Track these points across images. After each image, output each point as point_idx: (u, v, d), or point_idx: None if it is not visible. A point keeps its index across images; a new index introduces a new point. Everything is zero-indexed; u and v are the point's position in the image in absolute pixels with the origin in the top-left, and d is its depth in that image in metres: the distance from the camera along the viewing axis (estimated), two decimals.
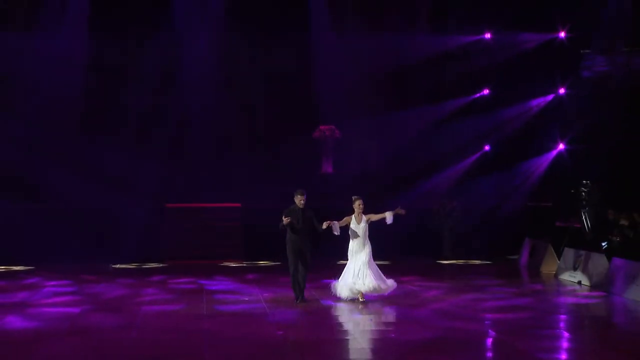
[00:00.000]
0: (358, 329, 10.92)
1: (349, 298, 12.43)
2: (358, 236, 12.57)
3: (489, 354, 9.91)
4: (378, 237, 13.10)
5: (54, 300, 13.37)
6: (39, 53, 20.30)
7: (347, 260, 12.72)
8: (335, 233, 12.52)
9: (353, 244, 12.64)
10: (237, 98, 21.53)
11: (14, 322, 11.38)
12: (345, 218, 12.64)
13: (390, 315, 11.69)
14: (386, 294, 12.67)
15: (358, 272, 12.42)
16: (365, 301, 12.37)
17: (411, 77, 21.93)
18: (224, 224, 19.95)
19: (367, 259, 12.51)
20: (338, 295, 12.56)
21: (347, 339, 10.00)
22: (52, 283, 15.26)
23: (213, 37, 21.12)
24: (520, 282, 16.23)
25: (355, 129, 21.34)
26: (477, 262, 18.91)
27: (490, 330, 10.96)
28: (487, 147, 21.68)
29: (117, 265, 18.14)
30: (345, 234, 12.74)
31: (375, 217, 12.62)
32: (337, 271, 17.28)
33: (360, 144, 21.61)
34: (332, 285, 12.71)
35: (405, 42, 21.46)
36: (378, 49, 21.43)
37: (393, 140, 21.42)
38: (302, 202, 12.57)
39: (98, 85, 20.79)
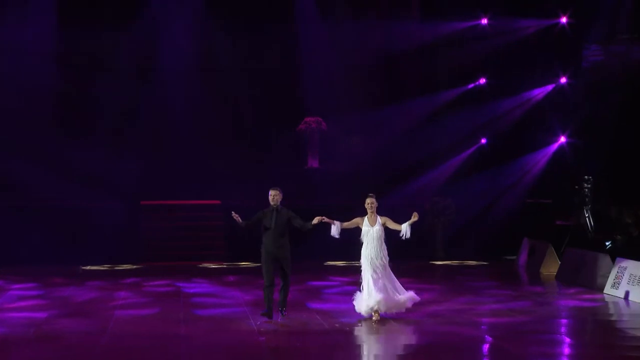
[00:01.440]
0: (346, 335, 10.86)
1: (369, 315, 11.37)
2: (373, 241, 11.36)
3: None
4: None
5: (18, 304, 13.26)
6: (3, 44, 20.10)
7: (361, 267, 11.52)
8: (335, 235, 11.31)
9: (367, 251, 11.41)
10: (218, 90, 21.44)
11: None
12: (354, 219, 11.52)
13: (380, 319, 11.64)
14: (404, 309, 11.50)
15: (376, 285, 11.25)
16: (378, 319, 11.31)
17: (402, 67, 21.92)
18: (203, 223, 19.88)
19: (383, 268, 11.34)
20: (357, 311, 11.46)
21: (334, 346, 9.94)
22: (17, 286, 15.13)
23: (192, 27, 21.00)
24: (519, 284, 16.26)
25: (342, 123, 21.33)
26: (473, 263, 18.95)
27: (486, 336, 10.96)
28: (483, 141, 21.67)
29: (88, 267, 18.01)
30: (352, 236, 11.62)
31: (392, 224, 11.41)
32: (325, 273, 17.35)
33: (348, 138, 21.59)
34: (354, 299, 11.54)
35: (395, 29, 21.43)
36: (366, 37, 21.39)
37: (383, 135, 21.41)
38: (275, 199, 11.41)
39: (69, 78, 20.61)
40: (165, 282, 15.78)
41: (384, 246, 11.46)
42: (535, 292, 14.88)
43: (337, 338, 10.53)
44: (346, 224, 11.41)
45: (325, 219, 11.24)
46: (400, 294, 11.38)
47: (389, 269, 11.39)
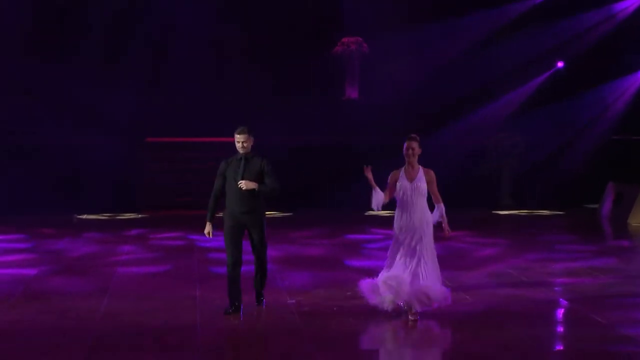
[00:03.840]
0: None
1: (389, 306, 9.71)
2: (409, 201, 9.69)
3: (560, 329, 9.91)
4: None
5: (4, 259, 13.49)
6: None
7: (393, 238, 9.87)
8: (375, 208, 9.79)
9: (400, 215, 9.77)
10: (234, 2, 21.28)
11: None
12: (391, 175, 9.82)
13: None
14: (431, 305, 9.73)
15: (407, 266, 9.64)
16: (416, 319, 9.65)
17: None
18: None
19: (419, 243, 9.65)
20: (368, 299, 9.91)
21: (375, 310, 9.98)
22: (1, 237, 15.39)
23: None
24: (601, 237, 16.27)
25: (387, 44, 21.14)
26: (545, 212, 18.94)
27: (561, 299, 10.96)
28: (560, 64, 21.44)
29: (84, 216, 18.23)
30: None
31: (434, 188, 9.77)
32: (366, 225, 17.40)
33: (393, 62, 21.43)
34: (360, 285, 10.04)
35: None
36: None
37: (436, 57, 21.21)
38: (243, 145, 9.94)
39: None
40: (175, 234, 15.95)
41: (427, 212, 9.71)
42: (621, 247, 14.91)
43: (380, 302, 10.53)
44: (387, 193, 9.77)
45: (371, 177, 9.69)
46: (434, 285, 9.64)
47: (430, 245, 9.67)
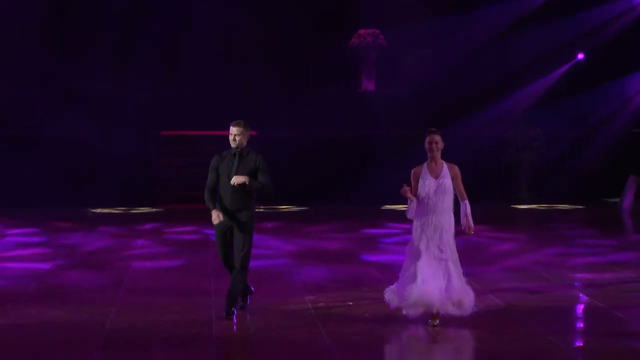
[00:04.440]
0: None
1: (410, 314, 9.17)
2: (434, 200, 9.14)
3: (579, 324, 9.87)
4: None
5: (17, 253, 13.54)
6: None
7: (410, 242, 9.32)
8: (410, 216, 9.27)
9: (424, 215, 9.18)
10: None
11: None
12: (412, 172, 9.29)
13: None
14: (458, 313, 9.17)
15: (437, 273, 9.03)
16: (437, 324, 9.16)
17: None
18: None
19: (450, 244, 9.13)
20: (390, 303, 9.37)
21: (396, 307, 9.95)
22: (15, 231, 15.45)
23: None
24: (622, 232, 16.19)
25: (405, 36, 21.10)
26: (565, 206, 18.86)
27: (581, 295, 10.91)
28: (580, 56, 21.34)
29: (98, 210, 18.28)
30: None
31: (459, 184, 9.25)
32: (382, 219, 17.39)
33: (410, 54, 21.40)
34: (385, 293, 9.47)
35: None
36: None
37: (453, 50, 21.15)
38: (236, 139, 9.47)
39: None
40: (190, 228, 15.98)
41: (449, 211, 9.18)
42: None
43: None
44: (413, 192, 9.18)
45: (409, 194, 9.12)
46: (466, 290, 9.15)
47: (453, 246, 9.18)
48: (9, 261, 12.87)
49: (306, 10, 21.25)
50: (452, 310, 9.05)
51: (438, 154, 9.20)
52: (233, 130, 9.49)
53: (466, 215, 9.20)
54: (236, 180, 9.35)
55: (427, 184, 9.15)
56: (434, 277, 9.01)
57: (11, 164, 18.70)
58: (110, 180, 18.74)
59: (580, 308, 10.49)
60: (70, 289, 11.03)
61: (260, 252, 13.75)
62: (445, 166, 9.23)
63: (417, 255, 9.14)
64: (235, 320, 9.40)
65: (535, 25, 21.05)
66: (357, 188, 18.66)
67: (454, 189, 9.21)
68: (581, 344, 9.07)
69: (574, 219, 17.44)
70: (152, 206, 18.74)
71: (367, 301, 10.30)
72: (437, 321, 9.16)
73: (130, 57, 20.59)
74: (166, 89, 20.64)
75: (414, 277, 9.06)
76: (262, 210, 18.70)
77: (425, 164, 9.25)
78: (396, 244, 14.32)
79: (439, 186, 9.14)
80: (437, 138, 9.21)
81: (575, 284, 11.60)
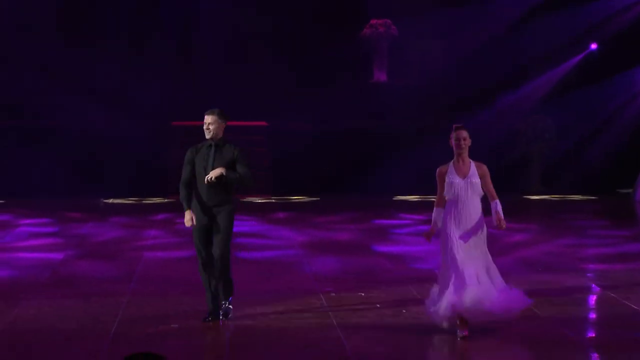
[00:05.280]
0: (420, 283, 10.86)
1: (445, 323, 8.59)
2: (464, 201, 8.52)
3: (592, 315, 9.83)
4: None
5: (29, 243, 13.58)
6: None
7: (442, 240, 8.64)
8: (438, 225, 8.63)
9: (455, 218, 8.55)
10: None
11: None
12: (438, 172, 8.66)
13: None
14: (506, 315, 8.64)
15: (462, 274, 8.41)
16: (465, 335, 8.49)
17: None
18: (246, 149, 19.89)
19: (477, 248, 8.52)
20: (431, 315, 8.71)
21: (405, 298, 9.95)
22: (28, 221, 15.50)
23: None
24: (634, 223, 16.11)
25: (416, 27, 21.03)
26: (577, 197, 18.80)
27: (593, 285, 10.87)
28: (593, 46, 21.25)
29: (110, 200, 18.31)
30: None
31: (488, 183, 8.65)
32: (394, 210, 17.37)
33: (422, 45, 21.32)
34: (427, 304, 8.79)
35: None
36: None
37: (466, 40, 21.07)
38: (210, 129, 8.92)
39: None
40: None
41: (479, 212, 8.53)
42: None
43: (409, 288, 10.53)
44: (439, 197, 8.61)
45: (432, 232, 8.60)
46: (510, 291, 8.58)
47: (485, 247, 8.58)
48: (21, 251, 12.91)
49: (318, 0, 21.22)
50: (478, 316, 8.46)
51: (466, 152, 8.60)
52: (207, 119, 8.94)
53: (497, 212, 8.62)
54: (212, 174, 8.72)
55: (455, 184, 8.53)
56: (462, 277, 8.39)
57: (24, 155, 18.75)
58: (122, 170, 18.75)
59: (592, 299, 10.45)
60: (82, 279, 11.05)
61: (272, 242, 13.77)
62: (473, 165, 8.63)
63: (447, 257, 8.49)
64: (249, 310, 9.40)
65: (548, 15, 20.93)
66: (368, 179, 18.64)
67: (489, 184, 8.63)
68: (593, 335, 9.03)
69: (586, 210, 17.39)
70: (164, 197, 18.74)
71: (377, 291, 10.29)
72: (465, 331, 8.47)
73: (143, 48, 20.60)
74: (178, 79, 20.63)
75: (452, 284, 8.44)
76: (273, 200, 18.73)
77: (451, 163, 8.63)
78: (407, 234, 14.31)
79: (468, 186, 8.53)
80: (465, 134, 8.61)
81: (587, 274, 11.57)
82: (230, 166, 8.83)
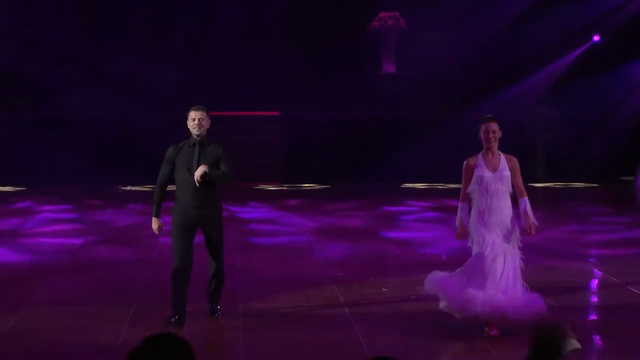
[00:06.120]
0: (429, 268, 10.86)
1: (458, 315, 8.16)
2: (494, 196, 7.97)
3: (595, 300, 9.81)
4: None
5: (50, 228, 13.61)
6: None
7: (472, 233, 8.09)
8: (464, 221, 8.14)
9: (484, 213, 7.98)
10: None
11: (3, 254, 11.62)
12: (465, 164, 8.10)
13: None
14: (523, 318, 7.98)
15: (487, 275, 7.88)
16: (494, 335, 8.08)
17: None
18: (259, 138, 19.96)
19: (515, 245, 8.03)
20: (447, 310, 8.27)
21: (414, 282, 9.93)
22: (48, 208, 15.53)
23: None
24: (637, 209, 16.05)
25: (424, 19, 20.94)
26: (580, 184, 18.73)
27: (595, 270, 10.84)
28: (595, 38, 21.13)
29: (128, 188, 18.33)
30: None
31: (518, 177, 8.10)
32: (402, 197, 17.36)
33: (431, 37, 21.23)
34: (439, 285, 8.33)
35: None
36: None
37: (474, 32, 20.96)
38: (200, 124, 8.52)
39: None
40: None
41: (509, 207, 7.99)
42: None
43: (417, 273, 10.51)
44: (464, 191, 8.09)
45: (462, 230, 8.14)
46: (523, 296, 8.08)
47: (516, 248, 8.04)
48: (43, 236, 12.95)
49: None
50: (496, 317, 7.98)
51: (495, 144, 7.98)
52: (196, 114, 8.49)
53: (526, 212, 8.07)
54: (197, 173, 8.25)
55: (485, 178, 7.94)
56: (486, 278, 7.90)
57: (45, 144, 18.76)
58: (140, 159, 18.76)
59: (595, 283, 10.44)
60: (101, 264, 11.08)
61: (283, 228, 13.77)
62: (503, 157, 8.03)
63: (483, 260, 7.91)
64: (262, 294, 9.41)
65: (552, 6, 20.82)
66: (377, 167, 18.61)
67: (518, 177, 8.06)
68: (595, 318, 9.02)
69: (589, 197, 17.32)
70: None
71: (387, 277, 10.28)
72: (495, 331, 8.04)
73: (160, 38, 20.59)
74: (194, 69, 20.61)
75: (470, 277, 7.98)
76: (285, 188, 18.72)
77: (480, 155, 8.03)
78: (415, 221, 14.29)
79: (499, 180, 7.93)
80: (495, 126, 8.01)
81: (590, 259, 11.55)
82: (214, 165, 8.38)
